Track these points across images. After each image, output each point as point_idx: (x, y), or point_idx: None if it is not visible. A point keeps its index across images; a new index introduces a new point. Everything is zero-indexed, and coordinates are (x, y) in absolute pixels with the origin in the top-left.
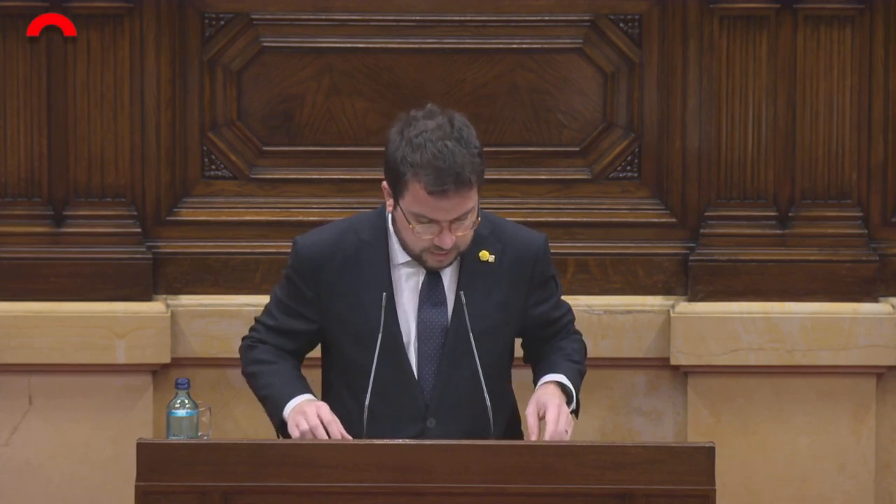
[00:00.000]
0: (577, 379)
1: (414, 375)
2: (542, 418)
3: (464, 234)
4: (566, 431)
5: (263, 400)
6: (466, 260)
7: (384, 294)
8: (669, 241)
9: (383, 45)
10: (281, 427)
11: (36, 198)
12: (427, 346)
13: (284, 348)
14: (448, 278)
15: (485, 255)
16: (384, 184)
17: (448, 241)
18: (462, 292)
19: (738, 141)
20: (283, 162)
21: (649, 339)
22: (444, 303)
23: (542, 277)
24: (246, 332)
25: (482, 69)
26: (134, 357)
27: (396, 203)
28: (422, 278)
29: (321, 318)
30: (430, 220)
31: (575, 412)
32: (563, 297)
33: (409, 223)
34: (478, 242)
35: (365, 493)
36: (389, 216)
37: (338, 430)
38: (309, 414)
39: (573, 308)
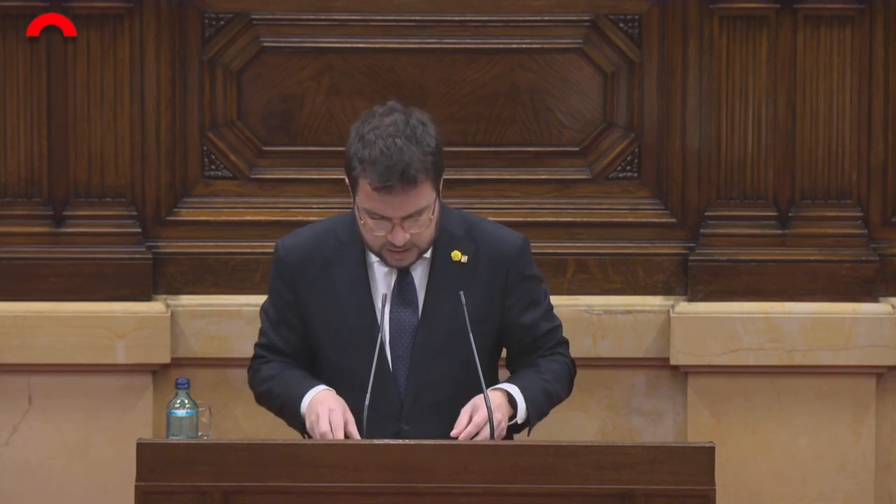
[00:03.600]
0: (538, 395)
1: (390, 375)
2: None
3: (419, 231)
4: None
5: (281, 410)
6: (438, 260)
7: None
8: (669, 241)
9: (383, 45)
10: (304, 428)
11: (36, 198)
12: (399, 346)
13: (286, 361)
14: (419, 278)
15: (457, 256)
16: (346, 180)
17: (399, 237)
18: (462, 293)
19: (738, 141)
20: (283, 162)
21: (649, 339)
22: (413, 302)
23: (518, 278)
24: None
25: (482, 69)
26: (134, 357)
27: (354, 199)
28: (394, 277)
29: (304, 320)
30: (382, 217)
31: (518, 427)
32: (564, 298)
33: (362, 219)
34: (451, 242)
35: (365, 493)
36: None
37: (352, 433)
38: (321, 418)
39: (573, 308)
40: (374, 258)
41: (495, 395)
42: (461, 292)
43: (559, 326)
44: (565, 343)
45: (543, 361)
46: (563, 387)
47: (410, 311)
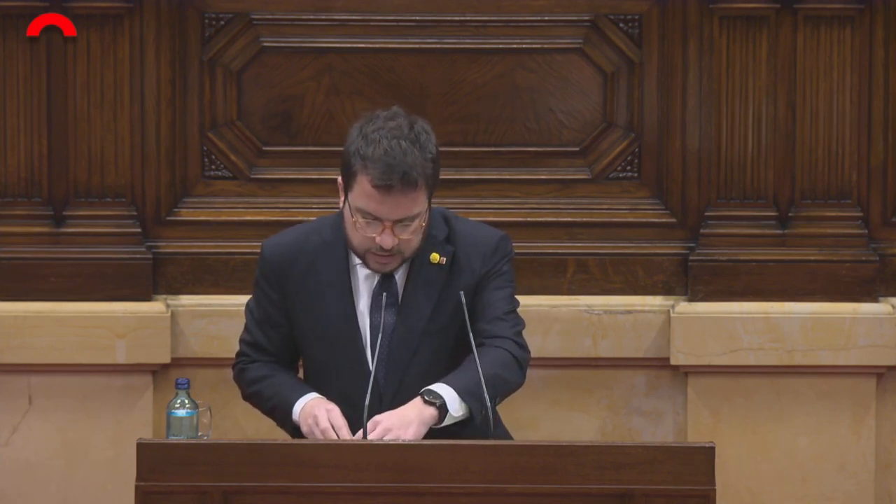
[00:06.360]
0: (472, 385)
1: (371, 376)
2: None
3: (408, 238)
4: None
5: (272, 412)
6: (417, 262)
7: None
8: (669, 241)
9: (383, 45)
10: (295, 432)
11: (36, 198)
12: (381, 347)
13: (273, 361)
14: (401, 280)
15: (435, 258)
16: (339, 179)
17: (388, 241)
18: (462, 293)
19: (738, 141)
20: (283, 162)
21: (649, 339)
22: (396, 304)
23: (489, 271)
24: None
25: (482, 69)
26: (134, 357)
27: (346, 197)
28: (377, 279)
29: (289, 320)
30: (374, 218)
31: (470, 416)
32: (564, 298)
33: (353, 217)
34: (432, 245)
35: (365, 493)
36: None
37: (346, 436)
38: (320, 418)
39: (573, 308)
40: (357, 260)
41: (409, 409)
42: (461, 292)
43: (508, 315)
44: (514, 329)
45: (479, 352)
46: (510, 372)
47: (391, 313)
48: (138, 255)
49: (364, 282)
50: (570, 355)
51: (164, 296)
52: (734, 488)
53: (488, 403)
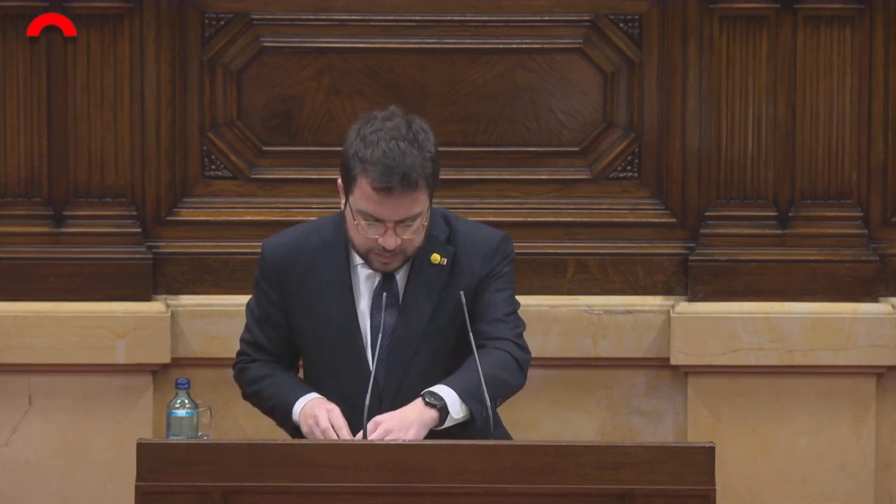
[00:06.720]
0: (473, 385)
1: (371, 377)
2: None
3: (410, 237)
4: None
5: (272, 412)
6: (417, 262)
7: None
8: (669, 241)
9: (383, 45)
10: (295, 432)
11: (36, 198)
12: (381, 347)
13: (273, 360)
14: (402, 280)
15: (436, 259)
16: (339, 181)
17: (391, 241)
18: (462, 293)
19: (738, 141)
20: (283, 162)
21: (649, 339)
22: (396, 304)
23: (490, 272)
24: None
25: (482, 69)
26: (134, 357)
27: (347, 199)
28: (377, 279)
29: (288, 320)
30: (376, 220)
31: (473, 419)
32: (564, 298)
33: (355, 219)
34: (432, 246)
35: (365, 493)
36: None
37: (346, 436)
38: (320, 418)
39: (573, 308)
40: (358, 260)
41: (410, 410)
42: (461, 292)
43: (508, 316)
44: (514, 331)
45: (479, 354)
46: (510, 374)
47: (391, 314)
48: (138, 255)
49: (365, 282)
50: (570, 355)
51: (164, 296)
52: (734, 488)
53: (489, 405)
